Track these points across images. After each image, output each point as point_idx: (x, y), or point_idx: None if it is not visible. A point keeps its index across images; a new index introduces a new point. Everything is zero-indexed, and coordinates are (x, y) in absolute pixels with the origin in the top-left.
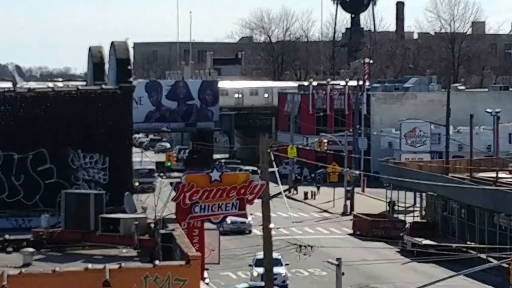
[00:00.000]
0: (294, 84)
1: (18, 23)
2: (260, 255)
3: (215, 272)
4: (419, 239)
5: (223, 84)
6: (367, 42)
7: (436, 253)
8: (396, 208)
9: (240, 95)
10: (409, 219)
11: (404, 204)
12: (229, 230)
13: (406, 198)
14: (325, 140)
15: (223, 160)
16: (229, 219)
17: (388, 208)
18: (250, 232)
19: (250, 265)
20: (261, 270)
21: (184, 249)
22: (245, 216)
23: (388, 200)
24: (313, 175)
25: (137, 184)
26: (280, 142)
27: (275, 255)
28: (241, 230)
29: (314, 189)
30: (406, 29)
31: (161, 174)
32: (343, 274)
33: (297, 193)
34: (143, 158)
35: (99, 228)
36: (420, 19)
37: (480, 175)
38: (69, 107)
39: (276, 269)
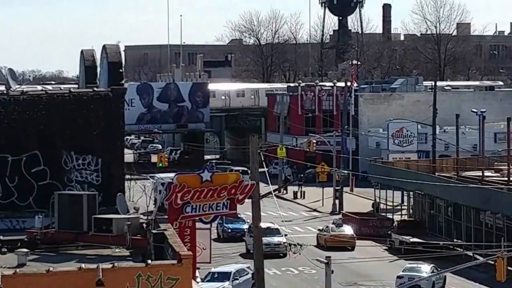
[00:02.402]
0: (281, 85)
1: (11, 27)
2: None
3: (206, 270)
4: (407, 237)
5: (210, 86)
6: (355, 44)
7: (424, 250)
8: (379, 208)
9: (227, 97)
10: (396, 217)
11: (392, 203)
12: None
13: (394, 197)
14: (314, 141)
15: (213, 161)
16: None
17: (373, 207)
18: (285, 255)
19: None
20: (264, 239)
21: (176, 248)
22: (277, 232)
23: (372, 202)
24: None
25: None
26: (270, 142)
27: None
28: (275, 253)
29: (303, 188)
30: (392, 31)
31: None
32: (332, 272)
33: (286, 192)
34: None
35: (92, 229)
36: (406, 21)
37: (466, 174)
38: (62, 110)
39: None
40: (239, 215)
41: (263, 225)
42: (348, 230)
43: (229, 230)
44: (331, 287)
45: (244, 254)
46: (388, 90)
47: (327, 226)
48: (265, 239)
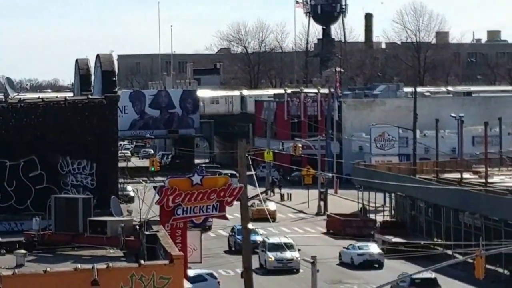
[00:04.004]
0: (260, 92)
1: (8, 38)
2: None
3: (197, 270)
4: (389, 237)
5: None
6: (338, 52)
7: (405, 250)
8: (367, 210)
9: (202, 103)
10: (379, 218)
11: (374, 204)
12: (273, 269)
13: (376, 198)
14: (300, 145)
15: (203, 165)
16: (272, 255)
17: (361, 211)
18: (298, 271)
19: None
20: (276, 254)
21: (168, 249)
22: (291, 247)
23: (361, 206)
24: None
25: None
26: (257, 147)
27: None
28: (288, 269)
29: (290, 191)
30: (374, 39)
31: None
32: (318, 271)
33: (274, 194)
34: None
35: (87, 230)
36: (387, 29)
37: (445, 176)
38: (58, 117)
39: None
40: (251, 227)
41: (277, 239)
42: (271, 205)
43: (241, 242)
44: (316, 286)
45: (257, 268)
46: (370, 96)
47: (254, 202)
48: (278, 255)
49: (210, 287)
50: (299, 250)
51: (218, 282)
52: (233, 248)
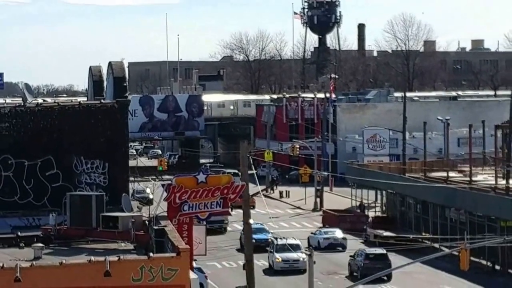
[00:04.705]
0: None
1: (26, 46)
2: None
3: (202, 262)
4: (380, 231)
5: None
6: (333, 59)
7: (395, 243)
8: (364, 206)
9: (209, 108)
10: (371, 213)
11: (367, 201)
12: (280, 269)
13: (368, 195)
14: (297, 146)
15: (208, 164)
16: (280, 256)
17: (359, 209)
18: (305, 271)
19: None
20: (283, 255)
21: (175, 242)
22: (298, 248)
23: (359, 203)
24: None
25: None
26: (258, 148)
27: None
28: (294, 269)
29: (288, 188)
30: (366, 47)
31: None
32: (314, 262)
33: (273, 192)
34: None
35: (100, 225)
36: (378, 38)
37: (432, 175)
38: (72, 120)
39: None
40: (262, 225)
41: (284, 241)
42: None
43: (254, 241)
44: (313, 277)
45: (266, 269)
46: (363, 100)
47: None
48: (284, 255)
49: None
50: (307, 249)
51: (206, 276)
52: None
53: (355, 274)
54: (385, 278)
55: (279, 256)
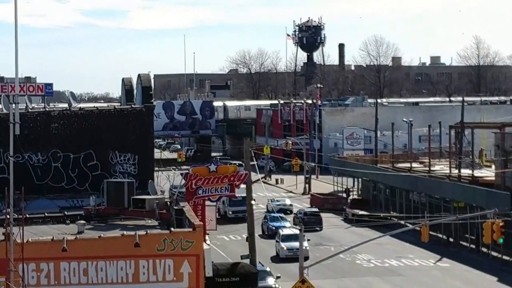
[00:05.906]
0: (256, 102)
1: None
2: (285, 231)
3: (213, 235)
4: (357, 211)
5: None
6: (319, 72)
7: (369, 220)
8: (349, 191)
9: (222, 110)
10: (350, 197)
11: (346, 186)
12: (285, 257)
13: (347, 182)
14: (290, 142)
15: (218, 157)
16: (285, 245)
17: (345, 193)
18: (308, 258)
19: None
20: (288, 244)
21: (191, 220)
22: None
23: (345, 188)
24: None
25: (230, 213)
26: (258, 143)
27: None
28: (298, 257)
29: (282, 176)
30: (346, 63)
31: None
32: (304, 236)
33: (271, 179)
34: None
35: (131, 206)
36: (355, 55)
37: (399, 165)
38: (109, 121)
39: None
40: (282, 217)
41: (289, 231)
42: None
43: (274, 228)
44: (303, 247)
45: (274, 256)
46: (343, 105)
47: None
48: (289, 244)
49: None
50: (308, 240)
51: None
52: (266, 233)
53: (296, 225)
54: (318, 228)
55: (284, 245)
